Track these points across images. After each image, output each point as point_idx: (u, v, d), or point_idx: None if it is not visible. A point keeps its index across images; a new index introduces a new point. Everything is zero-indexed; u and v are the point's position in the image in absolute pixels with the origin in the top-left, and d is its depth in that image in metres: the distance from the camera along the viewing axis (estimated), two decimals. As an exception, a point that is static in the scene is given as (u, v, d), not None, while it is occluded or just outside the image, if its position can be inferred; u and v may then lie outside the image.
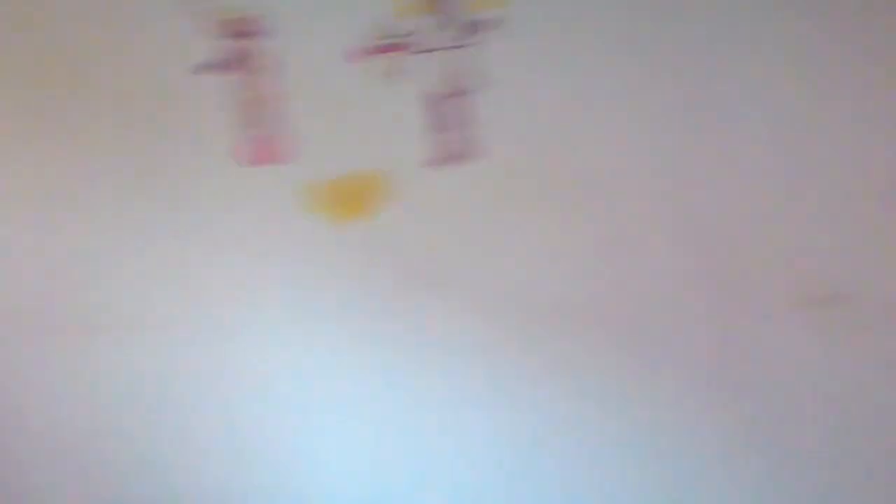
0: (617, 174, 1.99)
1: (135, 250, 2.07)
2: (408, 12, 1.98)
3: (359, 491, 2.06)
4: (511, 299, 2.00)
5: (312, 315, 2.04)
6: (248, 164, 2.01)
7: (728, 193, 2.00)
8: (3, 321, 2.12)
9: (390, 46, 1.97)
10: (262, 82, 1.98)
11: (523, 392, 2.02)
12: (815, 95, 1.99)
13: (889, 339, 1.99)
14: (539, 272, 1.99)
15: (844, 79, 1.98)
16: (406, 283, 2.01)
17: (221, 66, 1.99)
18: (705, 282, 2.00)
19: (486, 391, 2.02)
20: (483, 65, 1.96)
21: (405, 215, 2.00)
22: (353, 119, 2.00)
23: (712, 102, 1.99)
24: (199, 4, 1.99)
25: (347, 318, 2.03)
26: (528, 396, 2.02)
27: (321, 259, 2.03)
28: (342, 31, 1.99)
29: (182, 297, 2.08)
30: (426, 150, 1.98)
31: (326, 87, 2.00)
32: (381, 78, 1.97)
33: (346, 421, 2.06)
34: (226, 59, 1.98)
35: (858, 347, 1.99)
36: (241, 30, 1.99)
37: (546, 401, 2.02)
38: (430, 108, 1.97)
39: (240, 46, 1.98)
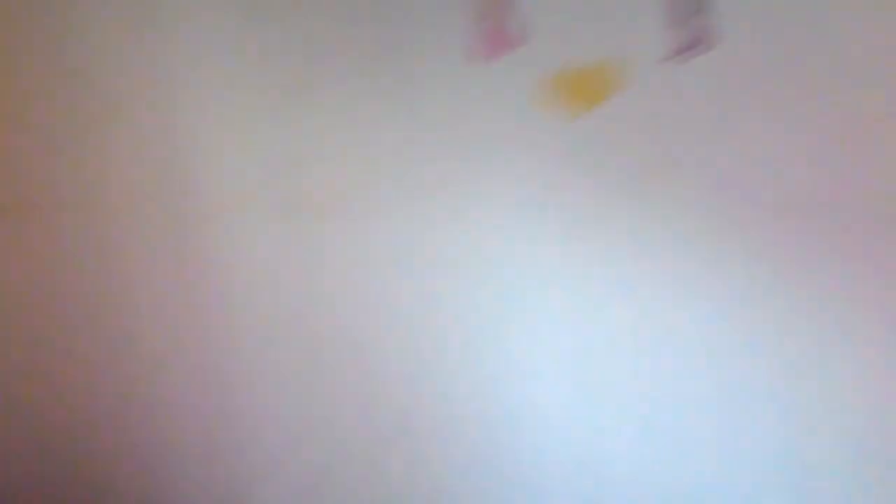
0: (863, 62, 1.79)
1: (364, 143, 2.10)
2: None
3: (569, 376, 2.06)
4: (740, 194, 1.90)
5: (538, 208, 2.03)
6: (480, 59, 1.97)
7: None
8: (237, 203, 2.19)
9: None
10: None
11: (747, 288, 1.94)
12: None
13: None
14: (770, 167, 1.88)
15: None
16: (634, 177, 1.95)
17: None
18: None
19: (711, 290, 1.96)
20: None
21: (637, 107, 1.92)
22: (586, 10, 1.92)
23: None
24: None
25: (574, 212, 2.01)
26: (751, 292, 1.93)
27: (549, 153, 1.99)
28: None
29: (408, 189, 2.10)
30: (661, 41, 1.88)
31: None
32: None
33: (564, 307, 2.05)
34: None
35: None
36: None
37: (770, 299, 1.93)
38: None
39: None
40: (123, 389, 2.36)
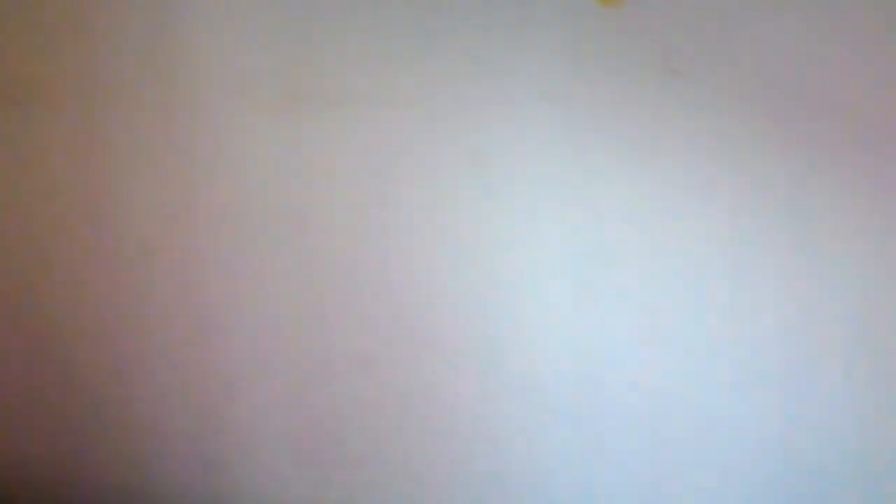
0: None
1: (377, 26, 2.02)
2: None
3: (577, 278, 2.01)
4: (767, 95, 1.84)
5: (556, 103, 1.95)
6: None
7: None
8: (237, 91, 2.12)
9: None
10: None
11: (764, 194, 1.88)
12: None
13: None
14: (801, 70, 1.82)
15: None
16: (659, 70, 1.88)
17: None
18: None
19: (724, 185, 1.90)
20: None
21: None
22: None
23: None
24: None
25: (595, 101, 1.93)
26: (768, 199, 1.88)
27: (574, 42, 1.91)
28: None
29: (425, 76, 2.02)
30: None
31: None
32: None
33: (569, 204, 1.99)
34: None
35: None
36: None
37: (788, 209, 1.88)
38: None
39: None
40: (110, 281, 2.29)
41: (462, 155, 2.05)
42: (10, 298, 2.36)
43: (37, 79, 2.25)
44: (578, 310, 2.03)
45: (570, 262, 2.03)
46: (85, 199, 2.26)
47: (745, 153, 1.90)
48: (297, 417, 2.23)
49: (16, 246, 2.33)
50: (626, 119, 1.94)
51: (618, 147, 1.96)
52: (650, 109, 1.92)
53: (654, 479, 2.03)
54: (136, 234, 2.25)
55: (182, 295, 2.25)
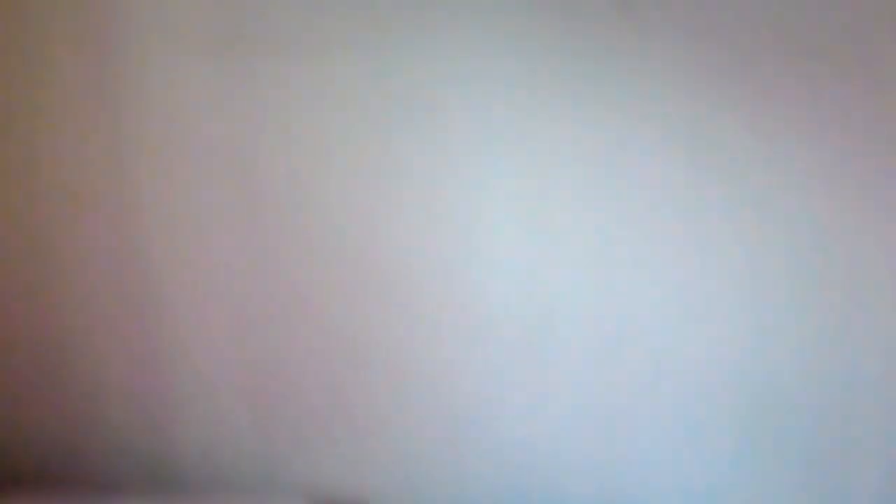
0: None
1: None
2: None
3: (530, 222, 2.00)
4: (732, 36, 1.84)
5: (516, 38, 1.92)
6: None
7: None
8: (169, 38, 2.02)
9: None
10: None
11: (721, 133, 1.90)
12: None
13: None
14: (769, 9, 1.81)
15: None
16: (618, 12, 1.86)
17: None
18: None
19: (679, 125, 1.90)
20: None
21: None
22: None
23: None
24: None
25: (552, 44, 1.90)
26: (728, 139, 1.90)
27: None
28: None
29: (375, 22, 1.95)
30: None
31: None
32: None
33: (522, 149, 1.97)
34: None
35: None
36: None
37: (747, 146, 1.90)
38: None
39: None
40: (45, 232, 2.18)
41: (413, 100, 1.99)
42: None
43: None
44: (532, 254, 2.03)
45: (524, 206, 2.01)
46: (15, 152, 2.14)
47: (704, 96, 1.90)
48: (243, 361, 2.18)
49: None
50: (583, 63, 1.92)
51: (573, 90, 1.94)
52: (606, 54, 1.90)
53: (608, 416, 2.07)
54: (67, 183, 2.14)
55: (119, 241, 2.15)
